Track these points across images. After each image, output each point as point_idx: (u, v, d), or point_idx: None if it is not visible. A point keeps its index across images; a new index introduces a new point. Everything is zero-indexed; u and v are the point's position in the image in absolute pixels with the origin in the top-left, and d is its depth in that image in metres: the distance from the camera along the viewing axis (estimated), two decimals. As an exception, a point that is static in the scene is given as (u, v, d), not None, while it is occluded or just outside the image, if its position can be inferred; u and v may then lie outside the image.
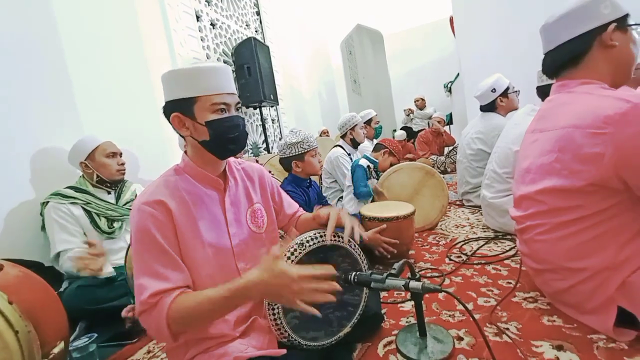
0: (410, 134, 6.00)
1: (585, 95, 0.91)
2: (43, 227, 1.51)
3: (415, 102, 6.38)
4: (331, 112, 7.07)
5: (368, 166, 2.10)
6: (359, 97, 7.13)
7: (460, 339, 0.99)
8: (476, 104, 2.48)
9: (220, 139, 0.81)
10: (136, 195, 1.73)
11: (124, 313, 1.29)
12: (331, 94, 7.36)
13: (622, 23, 0.91)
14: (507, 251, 1.59)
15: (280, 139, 4.81)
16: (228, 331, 0.80)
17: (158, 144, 2.41)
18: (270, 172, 2.71)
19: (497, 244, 1.72)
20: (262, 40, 4.59)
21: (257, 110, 4.02)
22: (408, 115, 6.57)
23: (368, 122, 3.15)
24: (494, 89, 2.23)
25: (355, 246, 0.94)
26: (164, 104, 0.84)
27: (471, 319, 1.06)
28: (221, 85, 0.81)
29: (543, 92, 1.66)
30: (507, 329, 1.00)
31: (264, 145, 4.05)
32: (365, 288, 0.98)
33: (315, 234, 0.87)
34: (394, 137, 4.85)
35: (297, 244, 0.83)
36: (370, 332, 1.05)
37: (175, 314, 0.68)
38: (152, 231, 0.72)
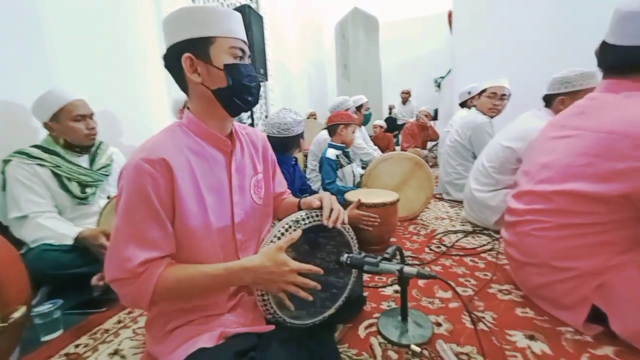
0: (395, 126, 6.07)
1: None
2: (4, 187, 1.36)
3: (401, 94, 6.42)
4: (319, 94, 6.95)
5: (337, 155, 2.05)
6: (347, 82, 7.04)
7: (439, 325, 1.01)
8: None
9: (240, 86, 0.74)
10: (112, 161, 1.62)
11: (94, 281, 1.21)
12: (320, 76, 7.22)
13: None
14: (484, 245, 1.64)
15: (266, 117, 4.67)
16: (221, 303, 0.77)
17: (141, 105, 2.24)
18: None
19: (474, 237, 1.77)
20: (256, 9, 4.36)
21: (245, 84, 3.86)
22: (390, 111, 6.70)
23: (359, 107, 3.11)
24: (470, 91, 2.33)
25: (348, 229, 0.92)
26: (166, 49, 0.74)
27: (450, 307, 1.10)
28: (239, 30, 0.76)
29: (548, 101, 1.67)
30: (484, 317, 1.04)
31: (249, 121, 3.91)
32: (352, 271, 0.97)
33: (309, 213, 0.84)
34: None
35: (292, 220, 0.81)
36: (353, 314, 1.06)
37: (164, 284, 0.66)
38: (149, 192, 0.65)
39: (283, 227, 0.79)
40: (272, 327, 0.77)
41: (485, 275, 1.33)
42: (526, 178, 1.10)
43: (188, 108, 0.80)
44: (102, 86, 1.92)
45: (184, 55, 0.70)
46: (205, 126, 0.77)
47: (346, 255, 0.86)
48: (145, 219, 0.66)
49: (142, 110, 2.25)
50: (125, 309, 1.21)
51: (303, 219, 0.82)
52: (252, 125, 3.87)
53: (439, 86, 5.67)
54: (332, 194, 1.99)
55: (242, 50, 0.75)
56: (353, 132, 2.09)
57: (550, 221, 0.97)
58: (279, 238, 0.77)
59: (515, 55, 3.06)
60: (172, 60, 0.73)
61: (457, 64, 3.60)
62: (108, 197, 1.54)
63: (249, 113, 3.91)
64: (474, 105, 2.47)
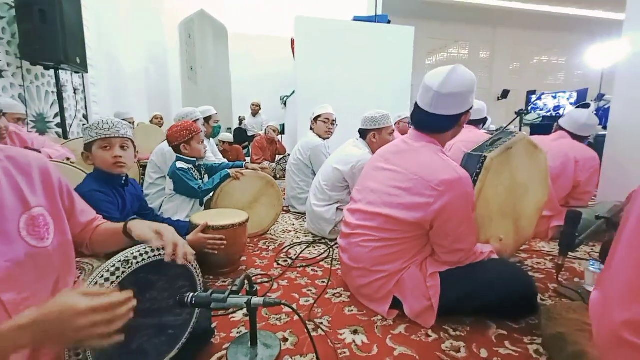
0: (245, 138, 6.14)
1: (432, 154, 1.18)
2: None
3: (251, 106, 6.58)
4: (161, 95, 6.18)
5: (189, 168, 1.93)
6: (194, 86, 6.58)
7: (286, 340, 1.10)
8: (307, 120, 2.88)
9: None
10: None
11: None
12: (162, 75, 6.44)
13: None
14: (322, 254, 1.89)
15: (84, 116, 3.74)
16: None
17: None
18: (68, 159, 2.06)
19: (315, 247, 2.01)
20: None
21: (51, 72, 2.98)
22: (240, 122, 6.79)
23: (207, 119, 2.96)
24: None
25: (193, 263, 0.86)
26: None
27: (294, 320, 1.20)
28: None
29: (363, 134, 2.15)
30: (322, 323, 1.20)
31: (58, 121, 3.04)
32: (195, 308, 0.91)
33: (141, 249, 0.75)
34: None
35: (120, 261, 0.69)
36: (200, 352, 0.99)
37: None
38: None
39: (108, 270, 0.67)
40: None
41: (323, 282, 1.54)
42: (359, 197, 1.37)
43: None
44: None
45: None
46: None
47: (190, 294, 0.80)
48: None
49: None
50: None
51: (135, 257, 0.72)
52: (63, 124, 3.00)
53: (285, 104, 6.13)
54: (205, 193, 1.84)
55: None
56: (199, 142, 1.94)
57: (373, 235, 1.25)
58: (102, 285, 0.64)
59: (344, 89, 3.77)
60: None
61: (299, 87, 3.99)
62: None
63: (56, 111, 3.04)
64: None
